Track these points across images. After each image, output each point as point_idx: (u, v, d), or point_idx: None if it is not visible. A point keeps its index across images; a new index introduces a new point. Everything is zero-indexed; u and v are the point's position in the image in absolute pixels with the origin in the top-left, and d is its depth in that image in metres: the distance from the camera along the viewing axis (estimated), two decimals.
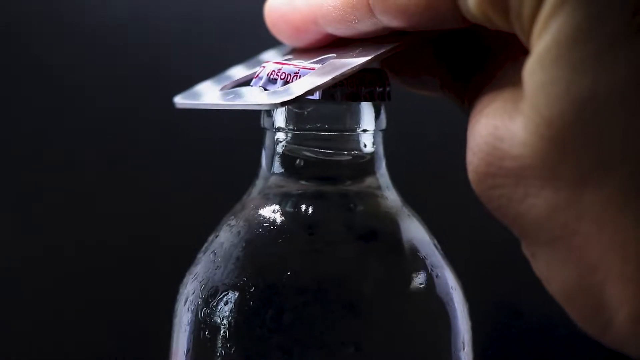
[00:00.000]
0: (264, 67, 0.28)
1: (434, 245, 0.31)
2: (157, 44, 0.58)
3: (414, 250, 0.31)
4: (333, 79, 0.26)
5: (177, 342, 0.31)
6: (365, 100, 0.29)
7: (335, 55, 0.28)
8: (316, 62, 0.28)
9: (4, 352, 0.58)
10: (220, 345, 0.29)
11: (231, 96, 0.29)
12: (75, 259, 0.59)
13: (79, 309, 0.58)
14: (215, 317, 0.29)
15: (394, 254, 0.31)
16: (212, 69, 0.33)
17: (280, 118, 0.30)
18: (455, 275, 0.31)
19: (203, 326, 0.30)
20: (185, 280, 0.32)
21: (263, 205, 0.31)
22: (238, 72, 0.32)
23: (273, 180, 0.31)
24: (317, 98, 0.28)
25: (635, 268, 0.21)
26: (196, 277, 0.31)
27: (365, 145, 0.31)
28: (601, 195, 0.21)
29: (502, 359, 0.61)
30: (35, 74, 0.58)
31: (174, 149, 0.59)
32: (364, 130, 0.30)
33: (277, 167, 0.31)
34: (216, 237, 0.31)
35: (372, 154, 0.31)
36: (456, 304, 0.31)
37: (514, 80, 0.24)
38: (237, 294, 0.29)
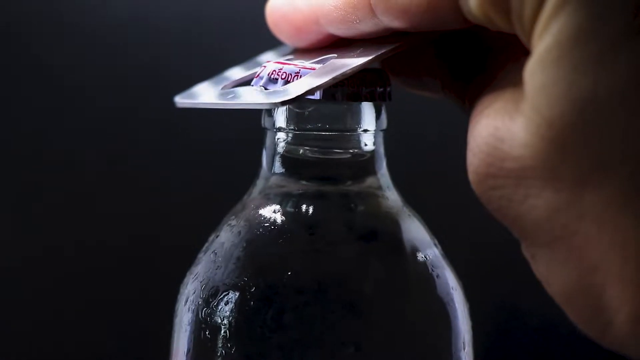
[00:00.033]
0: (264, 66, 0.28)
1: (435, 245, 0.31)
2: (157, 44, 0.58)
3: (415, 251, 0.31)
4: (334, 78, 0.26)
5: (177, 342, 0.31)
6: (366, 100, 0.29)
7: (336, 55, 0.28)
8: (317, 62, 0.28)
9: (4, 352, 0.58)
10: (220, 345, 0.29)
11: (232, 95, 0.29)
12: (75, 259, 0.59)
13: (79, 309, 0.58)
14: (215, 317, 0.29)
15: (395, 254, 0.31)
16: (212, 69, 0.33)
17: (281, 118, 0.30)
18: (456, 276, 0.31)
19: (204, 326, 0.30)
20: (185, 280, 0.32)
21: (264, 205, 0.31)
22: (236, 73, 0.32)
23: (274, 180, 0.31)
24: (318, 98, 0.28)
25: (635, 268, 0.21)
26: (197, 277, 0.31)
27: (366, 145, 0.31)
28: (601, 195, 0.21)
29: (502, 359, 0.61)
30: (35, 74, 0.58)
31: (174, 149, 0.59)
32: (365, 130, 0.30)
33: (278, 167, 0.31)
34: (217, 237, 0.31)
35: (373, 154, 0.31)
36: (457, 304, 0.31)
37: (515, 81, 0.24)
38: (237, 294, 0.29)
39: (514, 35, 0.23)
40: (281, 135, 0.31)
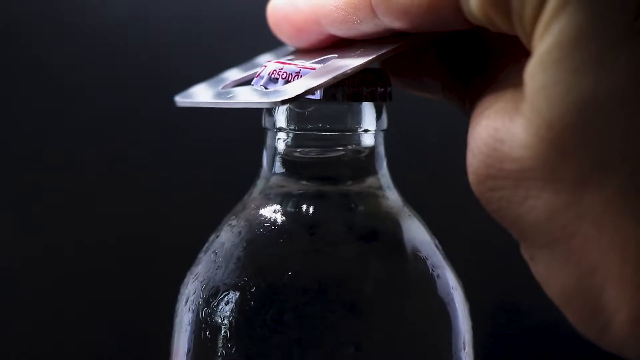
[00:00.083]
0: (265, 66, 0.28)
1: (435, 245, 0.31)
2: (157, 44, 0.58)
3: (415, 251, 0.31)
4: (334, 78, 0.26)
5: (177, 342, 0.31)
6: (367, 100, 0.29)
7: (337, 55, 0.28)
8: (318, 62, 0.28)
9: (4, 352, 0.58)
10: (221, 345, 0.29)
11: (232, 95, 0.29)
12: (75, 259, 0.59)
13: (79, 309, 0.58)
14: (216, 317, 0.29)
15: (395, 254, 0.31)
16: (212, 69, 0.33)
17: (281, 118, 0.30)
18: (456, 276, 0.31)
19: (204, 326, 0.30)
20: (186, 280, 0.32)
21: (264, 205, 0.31)
22: (233, 75, 0.32)
23: (274, 180, 0.31)
24: (319, 98, 0.28)
25: (634, 269, 0.21)
26: (197, 277, 0.31)
27: (366, 145, 0.31)
28: (601, 195, 0.21)
29: (502, 359, 0.61)
30: (35, 74, 0.58)
31: (174, 149, 0.59)
32: (365, 130, 0.30)
33: (278, 167, 0.31)
34: (217, 237, 0.31)
35: (373, 154, 0.31)
36: (457, 304, 0.31)
37: (515, 82, 0.24)
38: (238, 294, 0.29)
39: (515, 37, 0.23)
40: (282, 135, 0.31)
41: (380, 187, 0.31)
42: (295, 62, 0.28)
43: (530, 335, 0.61)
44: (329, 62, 0.27)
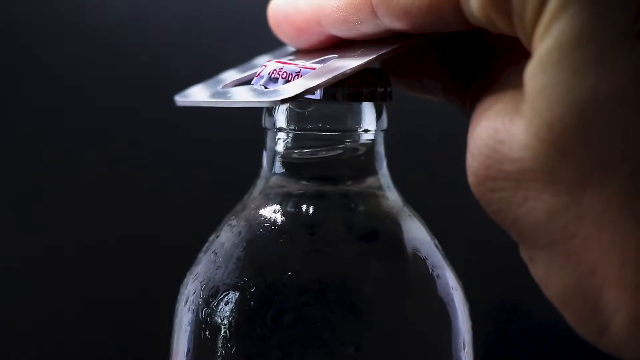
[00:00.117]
0: (265, 66, 0.28)
1: (435, 245, 0.31)
2: (157, 44, 0.58)
3: (415, 251, 0.31)
4: (334, 77, 0.26)
5: (177, 342, 0.31)
6: (367, 100, 0.29)
7: (337, 55, 0.28)
8: (318, 62, 0.28)
9: (4, 352, 0.58)
10: (220, 346, 0.29)
11: (232, 94, 0.29)
12: (75, 259, 0.59)
13: (79, 309, 0.58)
14: (215, 317, 0.29)
15: (395, 254, 0.31)
16: (212, 69, 0.33)
17: (281, 118, 0.30)
18: (456, 276, 0.31)
19: (204, 326, 0.30)
20: (185, 280, 0.32)
21: (264, 205, 0.31)
22: (231, 76, 0.32)
23: (274, 180, 0.31)
24: (319, 98, 0.28)
25: (633, 271, 0.21)
26: (197, 277, 0.31)
27: (366, 145, 0.31)
28: (601, 196, 0.21)
29: (502, 359, 0.61)
30: (35, 74, 0.58)
31: (174, 149, 0.59)
32: (366, 130, 0.30)
33: (278, 167, 0.31)
34: (217, 237, 0.31)
35: (373, 154, 0.31)
36: (457, 304, 0.31)
37: (516, 84, 0.24)
38: (237, 294, 0.29)
39: (515, 38, 0.23)
40: (282, 135, 0.31)
41: (380, 187, 0.31)
42: (296, 62, 0.28)
43: (530, 335, 0.61)
44: (329, 62, 0.27)
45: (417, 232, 0.31)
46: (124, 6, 0.58)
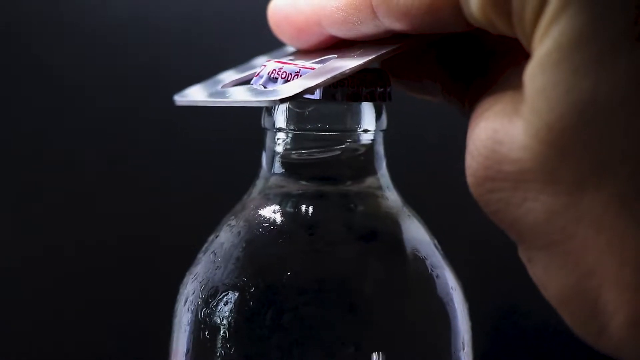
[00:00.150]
0: (265, 65, 0.28)
1: (434, 245, 0.31)
2: (157, 44, 0.58)
3: (414, 251, 0.31)
4: (333, 77, 0.26)
5: (177, 342, 0.31)
6: (366, 100, 0.29)
7: (336, 56, 0.28)
8: (317, 62, 0.28)
9: (4, 352, 0.58)
10: (220, 346, 0.29)
11: (231, 94, 0.29)
12: (75, 259, 0.59)
13: (79, 309, 0.58)
14: (215, 318, 0.29)
15: (394, 254, 0.31)
16: (212, 69, 0.33)
17: (281, 118, 0.30)
18: (455, 276, 0.31)
19: (203, 326, 0.30)
20: (185, 280, 0.32)
21: (263, 206, 0.31)
22: (229, 76, 0.32)
23: (273, 180, 0.31)
24: (318, 98, 0.28)
25: (632, 272, 0.21)
26: (196, 277, 0.31)
27: (365, 146, 0.31)
28: (600, 196, 0.21)
29: (502, 359, 0.61)
30: (35, 74, 0.58)
31: (174, 149, 0.59)
32: (365, 131, 0.30)
33: (278, 167, 0.31)
34: (216, 237, 0.31)
35: (373, 154, 0.31)
36: (456, 304, 0.31)
37: (515, 85, 0.23)
38: (237, 294, 0.29)
39: (515, 39, 0.23)
40: (281, 135, 0.31)
41: (379, 187, 0.31)
42: (295, 62, 0.28)
43: (530, 335, 0.61)
44: (328, 62, 0.28)
45: (416, 232, 0.31)
46: (124, 6, 0.58)
